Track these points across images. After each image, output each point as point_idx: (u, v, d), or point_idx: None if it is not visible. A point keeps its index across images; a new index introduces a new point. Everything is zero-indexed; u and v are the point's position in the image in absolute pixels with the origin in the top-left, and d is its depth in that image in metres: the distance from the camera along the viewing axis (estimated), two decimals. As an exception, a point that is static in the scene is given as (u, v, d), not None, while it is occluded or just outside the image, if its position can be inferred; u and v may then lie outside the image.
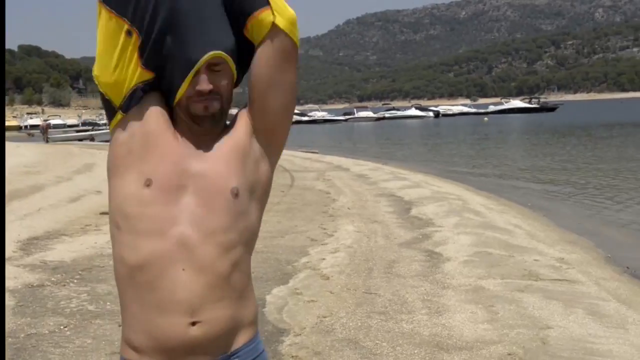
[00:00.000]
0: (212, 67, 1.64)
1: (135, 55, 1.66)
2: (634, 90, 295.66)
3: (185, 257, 1.60)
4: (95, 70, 1.70)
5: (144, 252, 1.62)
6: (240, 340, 1.70)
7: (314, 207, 11.82)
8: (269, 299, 6.07)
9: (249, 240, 1.73)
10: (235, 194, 1.66)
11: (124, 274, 1.67)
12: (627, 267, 7.81)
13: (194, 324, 1.60)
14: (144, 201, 1.63)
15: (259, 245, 7.46)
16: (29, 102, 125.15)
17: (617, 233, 10.48)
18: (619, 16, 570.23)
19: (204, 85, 1.63)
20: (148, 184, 1.63)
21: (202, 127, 1.67)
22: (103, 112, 1.79)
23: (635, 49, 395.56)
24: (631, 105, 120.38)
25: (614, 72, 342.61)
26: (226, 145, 1.71)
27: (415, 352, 4.78)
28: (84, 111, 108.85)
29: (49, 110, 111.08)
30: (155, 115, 1.69)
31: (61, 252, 7.93)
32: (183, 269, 1.60)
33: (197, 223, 1.62)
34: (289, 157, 25.02)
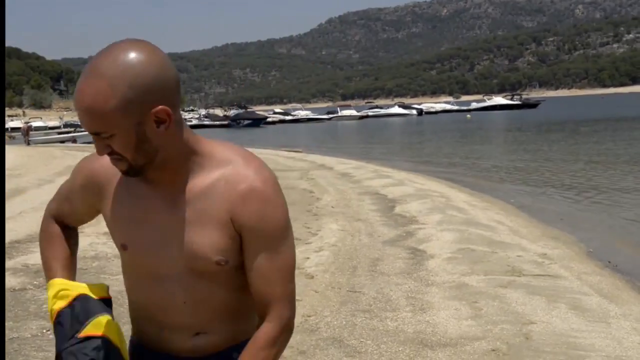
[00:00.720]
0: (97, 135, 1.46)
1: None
2: (614, 85, 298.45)
3: (184, 294, 1.61)
4: None
5: (145, 292, 1.65)
6: (242, 339, 1.67)
7: (297, 206, 11.80)
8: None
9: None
10: (221, 264, 1.58)
11: (129, 296, 1.72)
12: (609, 262, 7.88)
13: (197, 334, 1.64)
14: (130, 260, 1.65)
15: (242, 245, 7.30)
16: (9, 105, 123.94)
17: (599, 228, 10.56)
18: (599, 12, 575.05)
19: (97, 150, 1.49)
20: (124, 248, 1.62)
21: (136, 177, 1.54)
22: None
23: (615, 45, 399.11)
24: (611, 101, 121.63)
25: (594, 68, 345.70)
26: (198, 209, 1.56)
27: (400, 349, 4.79)
28: (65, 113, 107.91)
29: (30, 112, 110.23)
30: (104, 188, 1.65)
31: (43, 255, 7.86)
32: (184, 302, 1.61)
33: (188, 286, 1.61)
34: (272, 156, 24.97)
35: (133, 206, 1.59)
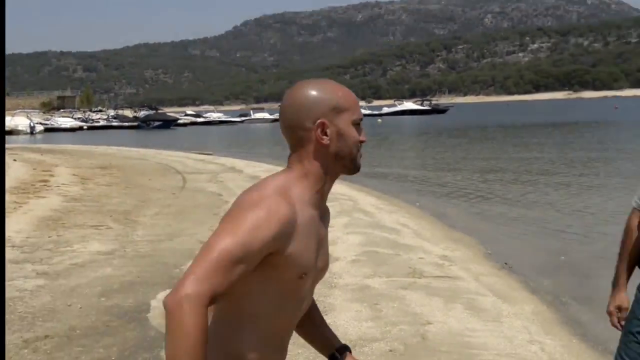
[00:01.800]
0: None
1: None
2: (519, 93, 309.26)
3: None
4: None
5: (286, 318, 1.70)
6: None
7: (204, 209, 11.70)
8: (153, 303, 5.96)
9: None
10: None
11: (262, 326, 1.66)
12: (506, 263, 8.16)
13: None
14: (297, 288, 1.65)
15: (145, 249, 7.26)
16: None
17: (499, 230, 10.93)
18: (507, 22, 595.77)
19: (362, 136, 1.69)
20: (301, 277, 1.62)
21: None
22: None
23: (520, 54, 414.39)
24: (516, 108, 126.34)
25: (501, 75, 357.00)
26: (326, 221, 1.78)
27: (299, 352, 4.80)
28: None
29: None
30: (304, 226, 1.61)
31: None
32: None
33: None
34: (181, 158, 24.66)
35: (317, 234, 1.66)
